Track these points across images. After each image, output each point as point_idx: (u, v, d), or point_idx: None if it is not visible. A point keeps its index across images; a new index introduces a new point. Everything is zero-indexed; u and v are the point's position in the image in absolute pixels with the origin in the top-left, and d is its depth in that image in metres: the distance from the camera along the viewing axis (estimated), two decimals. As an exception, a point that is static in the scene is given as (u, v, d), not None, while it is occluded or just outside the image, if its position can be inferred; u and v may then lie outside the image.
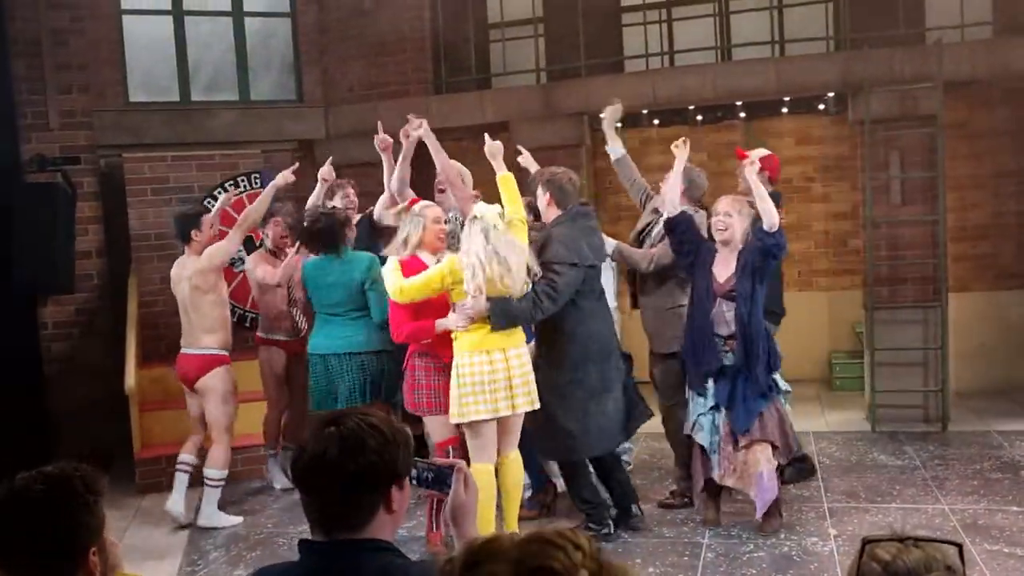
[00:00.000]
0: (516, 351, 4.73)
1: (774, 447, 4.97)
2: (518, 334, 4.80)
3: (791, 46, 8.05)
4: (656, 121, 8.03)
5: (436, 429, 4.96)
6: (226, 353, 5.80)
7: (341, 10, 8.25)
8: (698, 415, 5.09)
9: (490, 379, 4.62)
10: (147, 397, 6.78)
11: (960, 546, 1.42)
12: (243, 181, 7.38)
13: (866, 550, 1.45)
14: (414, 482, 1.96)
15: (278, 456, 6.48)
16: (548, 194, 5.14)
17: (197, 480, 5.81)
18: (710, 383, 5.03)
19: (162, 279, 7.11)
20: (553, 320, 4.96)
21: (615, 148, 5.83)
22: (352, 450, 1.83)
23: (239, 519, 5.81)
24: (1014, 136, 8.16)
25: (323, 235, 5.42)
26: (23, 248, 6.47)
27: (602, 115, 5.84)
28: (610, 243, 5.42)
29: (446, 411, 4.75)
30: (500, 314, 4.64)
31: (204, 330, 5.74)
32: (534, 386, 4.78)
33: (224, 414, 5.76)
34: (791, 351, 9.14)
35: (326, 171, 5.97)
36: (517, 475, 4.90)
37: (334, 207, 5.75)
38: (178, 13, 7.90)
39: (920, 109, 7.02)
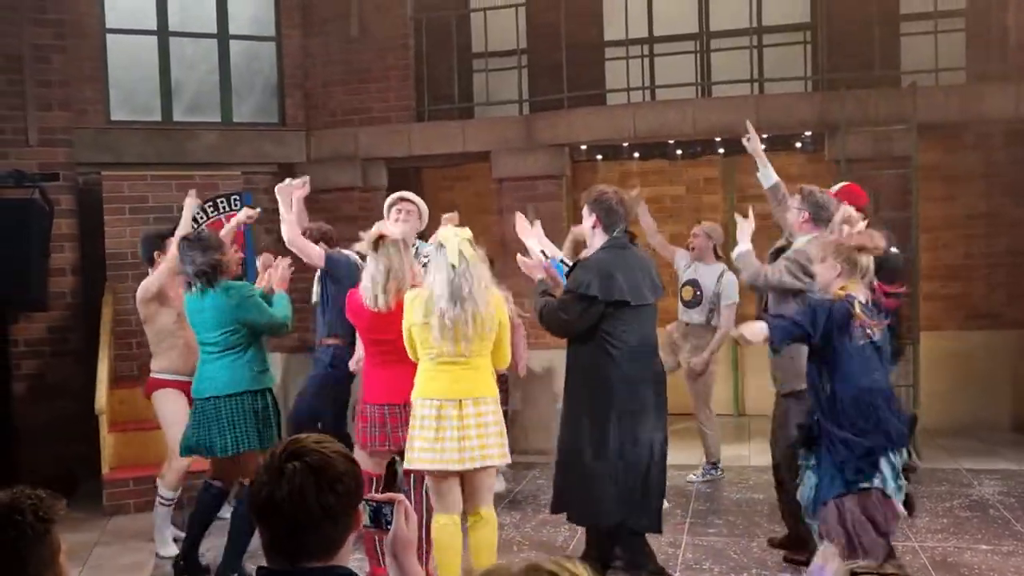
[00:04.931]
0: (472, 399, 4.21)
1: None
2: (481, 382, 4.25)
3: (770, 85, 8.18)
4: (636, 154, 8.11)
5: (362, 460, 4.57)
6: (168, 378, 5.62)
7: (326, 35, 8.30)
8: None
9: (436, 428, 4.18)
10: (117, 417, 6.69)
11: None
12: (222, 202, 7.34)
13: None
14: None
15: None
16: (595, 216, 4.54)
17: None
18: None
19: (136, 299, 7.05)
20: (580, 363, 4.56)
21: (768, 174, 5.15)
22: (330, 480, 1.82)
23: (175, 550, 5.43)
24: (985, 179, 8.33)
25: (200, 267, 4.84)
26: (-4, 263, 6.40)
27: (746, 139, 5.23)
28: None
29: (362, 444, 4.60)
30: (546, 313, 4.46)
31: (152, 354, 5.72)
32: (493, 439, 4.24)
33: (170, 435, 5.56)
34: (766, 387, 9.29)
35: (243, 215, 5.66)
36: (485, 534, 4.37)
37: (203, 229, 5.35)
38: (163, 33, 7.91)
39: (895, 150, 7.15)
